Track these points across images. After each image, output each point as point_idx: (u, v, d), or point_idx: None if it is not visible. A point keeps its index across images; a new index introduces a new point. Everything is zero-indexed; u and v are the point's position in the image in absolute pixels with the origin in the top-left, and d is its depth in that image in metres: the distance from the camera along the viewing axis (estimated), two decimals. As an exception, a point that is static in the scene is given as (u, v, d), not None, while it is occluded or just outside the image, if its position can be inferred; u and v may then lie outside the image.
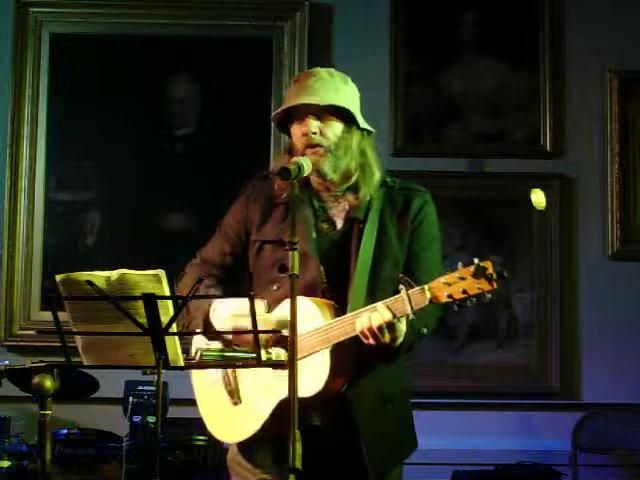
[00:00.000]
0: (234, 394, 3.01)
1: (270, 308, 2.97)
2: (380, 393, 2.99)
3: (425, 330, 2.91)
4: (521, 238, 5.01)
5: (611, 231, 5.01)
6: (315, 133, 2.98)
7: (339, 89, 3.02)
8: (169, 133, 5.07)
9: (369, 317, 2.78)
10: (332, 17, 5.10)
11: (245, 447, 3.05)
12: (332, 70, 3.09)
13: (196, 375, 3.14)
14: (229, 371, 3.02)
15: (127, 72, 5.07)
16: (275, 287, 3.01)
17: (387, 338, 2.79)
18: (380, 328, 2.77)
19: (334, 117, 3.00)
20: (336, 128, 3.00)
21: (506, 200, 4.99)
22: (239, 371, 3.00)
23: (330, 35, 5.09)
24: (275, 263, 3.03)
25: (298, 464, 2.51)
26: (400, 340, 2.83)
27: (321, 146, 2.98)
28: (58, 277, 2.71)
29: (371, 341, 2.79)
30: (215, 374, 3.05)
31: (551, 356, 4.94)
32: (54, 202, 5.03)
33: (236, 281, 3.20)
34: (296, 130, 3.02)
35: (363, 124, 3.05)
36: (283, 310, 2.91)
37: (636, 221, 5.03)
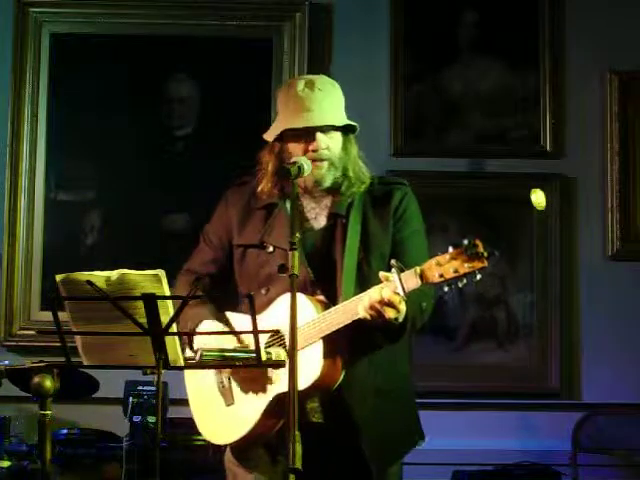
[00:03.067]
0: (228, 395, 3.01)
1: (260, 311, 2.97)
2: (376, 386, 2.98)
3: (425, 304, 2.91)
4: (521, 238, 5.01)
5: (611, 231, 5.01)
6: (325, 149, 2.99)
7: (334, 99, 3.04)
8: (169, 133, 5.07)
9: (370, 295, 2.76)
10: (332, 17, 5.10)
11: (241, 447, 3.04)
12: (321, 77, 3.08)
13: (189, 377, 3.14)
14: (224, 372, 3.02)
15: (127, 72, 5.07)
16: (264, 291, 3.03)
17: (391, 313, 2.75)
18: (382, 302, 2.74)
19: (337, 130, 3.02)
20: (339, 141, 3.03)
21: (506, 200, 4.99)
22: (233, 371, 3.00)
23: (330, 35, 5.09)
24: (260, 267, 3.05)
25: (298, 464, 2.51)
26: (402, 317, 2.80)
27: (326, 159, 3.00)
28: (58, 277, 2.72)
29: (374, 313, 2.76)
30: (209, 375, 3.05)
31: (551, 356, 4.94)
32: (54, 202, 5.03)
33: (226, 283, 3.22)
34: (299, 146, 3.00)
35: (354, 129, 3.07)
36: (274, 311, 2.94)
37: (636, 221, 5.03)
